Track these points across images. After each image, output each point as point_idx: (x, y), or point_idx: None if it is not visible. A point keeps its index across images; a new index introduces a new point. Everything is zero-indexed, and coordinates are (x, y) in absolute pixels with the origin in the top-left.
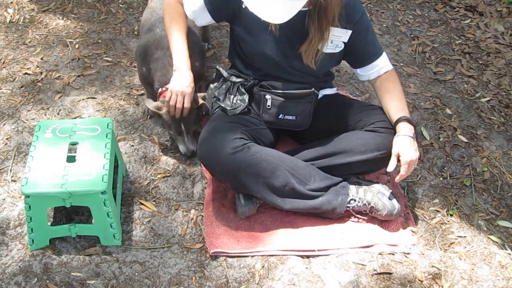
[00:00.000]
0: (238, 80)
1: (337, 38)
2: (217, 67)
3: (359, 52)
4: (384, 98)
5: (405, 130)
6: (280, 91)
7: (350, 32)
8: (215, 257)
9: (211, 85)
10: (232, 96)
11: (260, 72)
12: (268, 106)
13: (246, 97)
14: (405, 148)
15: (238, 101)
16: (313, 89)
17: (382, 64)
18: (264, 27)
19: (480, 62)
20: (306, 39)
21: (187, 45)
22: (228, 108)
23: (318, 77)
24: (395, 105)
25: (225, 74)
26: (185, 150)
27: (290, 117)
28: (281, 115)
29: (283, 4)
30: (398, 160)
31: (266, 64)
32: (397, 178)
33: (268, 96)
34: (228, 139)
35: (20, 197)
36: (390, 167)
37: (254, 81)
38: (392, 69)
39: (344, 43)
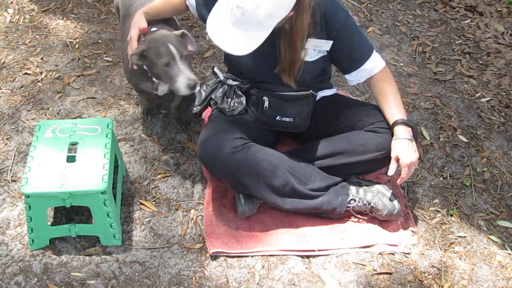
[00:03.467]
0: (235, 83)
1: (318, 47)
2: (214, 69)
3: (344, 60)
4: (379, 99)
5: (402, 133)
6: (277, 93)
7: (331, 42)
8: (215, 257)
9: (207, 82)
10: (229, 100)
11: (254, 79)
12: (266, 107)
13: (243, 99)
14: (403, 151)
15: (236, 104)
16: (311, 90)
17: (372, 66)
18: None
19: (480, 62)
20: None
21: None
22: (226, 110)
23: (308, 81)
24: (390, 107)
25: (221, 77)
26: (188, 81)
27: (287, 119)
28: (278, 117)
29: (242, 37)
30: (399, 163)
31: (253, 74)
32: (398, 181)
33: (265, 98)
34: (228, 139)
35: (20, 197)
36: (390, 171)
37: (251, 84)
38: (384, 67)
39: (327, 51)
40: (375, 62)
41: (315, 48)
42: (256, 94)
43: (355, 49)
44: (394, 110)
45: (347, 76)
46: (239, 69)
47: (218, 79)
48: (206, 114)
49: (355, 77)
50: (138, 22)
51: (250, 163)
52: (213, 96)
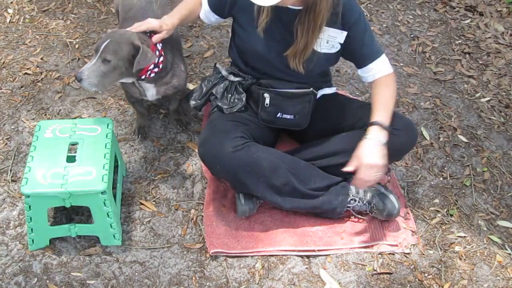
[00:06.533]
0: (236, 79)
1: (333, 38)
2: (216, 65)
3: (356, 54)
4: (373, 99)
5: (373, 134)
6: (279, 90)
7: (345, 33)
8: (215, 257)
9: (209, 78)
10: (229, 95)
11: (258, 70)
12: (266, 104)
13: (243, 96)
14: (365, 150)
15: (236, 100)
16: (311, 88)
17: (378, 68)
18: (256, 26)
19: (480, 62)
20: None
21: (186, 11)
22: (225, 106)
23: (313, 77)
24: (377, 108)
25: (223, 72)
26: (78, 72)
27: (288, 116)
28: (279, 114)
29: None
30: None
31: (259, 62)
32: (352, 182)
33: (266, 95)
34: (229, 137)
35: (20, 197)
36: (347, 168)
37: (252, 80)
38: (390, 74)
39: (340, 44)
40: (383, 65)
41: (329, 40)
42: (257, 91)
43: (366, 46)
44: (379, 111)
45: (359, 71)
46: (246, 57)
47: (220, 75)
48: (206, 110)
49: (364, 74)
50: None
51: (251, 162)
52: (213, 91)
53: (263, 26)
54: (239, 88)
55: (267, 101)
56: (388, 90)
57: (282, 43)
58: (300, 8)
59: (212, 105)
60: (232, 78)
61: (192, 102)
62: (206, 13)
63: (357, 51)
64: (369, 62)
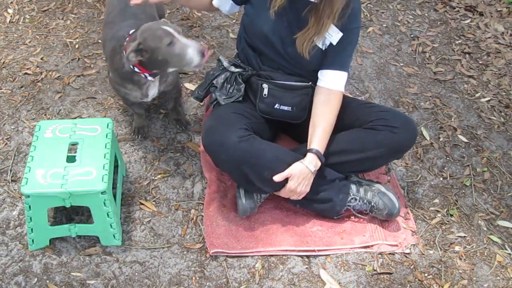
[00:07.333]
0: (237, 70)
1: (329, 36)
2: (220, 57)
3: (328, 55)
4: (313, 119)
5: (309, 161)
6: (277, 82)
7: (340, 35)
8: (215, 257)
9: (211, 72)
10: (228, 86)
11: (261, 57)
12: (265, 95)
13: (242, 86)
14: (297, 176)
15: (234, 91)
16: (310, 83)
17: (334, 79)
18: (268, 8)
19: (480, 62)
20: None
21: None
22: (223, 97)
23: (309, 72)
24: (316, 133)
25: (225, 63)
26: (198, 48)
27: (286, 108)
28: (277, 105)
29: None
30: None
31: (262, 44)
32: (277, 192)
33: (265, 85)
34: (234, 128)
35: (20, 197)
36: (276, 178)
37: (253, 71)
38: (339, 91)
39: (331, 44)
40: (340, 80)
41: (327, 37)
42: (256, 82)
43: (342, 55)
44: (317, 138)
45: (318, 73)
46: (252, 39)
47: (222, 66)
48: (207, 104)
49: (319, 76)
50: None
51: (256, 153)
52: (214, 82)
53: (275, 9)
54: (239, 79)
55: (266, 91)
56: (331, 113)
57: (288, 30)
58: (315, 1)
59: (212, 98)
60: (233, 69)
61: (194, 94)
62: (221, 1)
63: (331, 54)
64: (331, 68)
